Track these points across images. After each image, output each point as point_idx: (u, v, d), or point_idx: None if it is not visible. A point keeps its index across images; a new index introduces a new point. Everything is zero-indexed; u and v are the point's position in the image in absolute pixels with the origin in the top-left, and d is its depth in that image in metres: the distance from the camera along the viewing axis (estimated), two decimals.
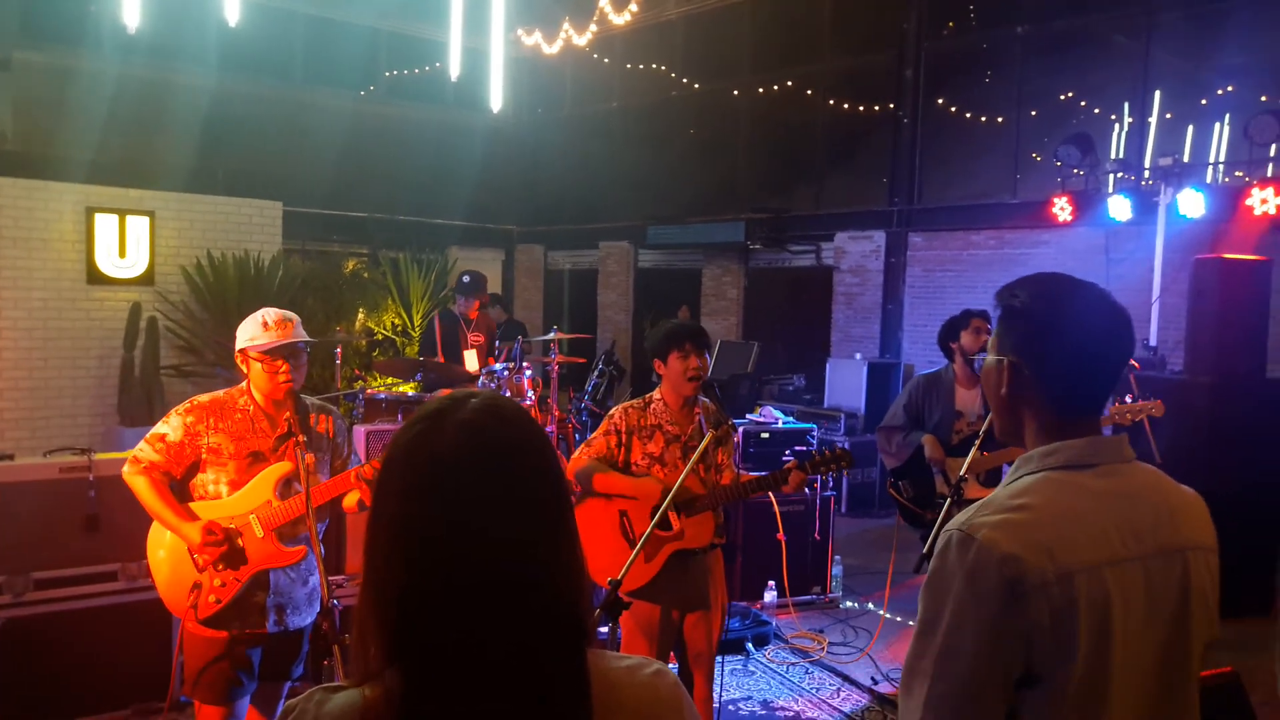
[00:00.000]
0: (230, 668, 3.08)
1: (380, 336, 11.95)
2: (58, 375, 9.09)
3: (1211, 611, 1.53)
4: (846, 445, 9.05)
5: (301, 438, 2.97)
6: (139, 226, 9.37)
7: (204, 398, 3.17)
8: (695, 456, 3.14)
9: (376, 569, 1.12)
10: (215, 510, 3.08)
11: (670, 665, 3.96)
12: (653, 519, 2.94)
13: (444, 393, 5.87)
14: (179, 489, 3.13)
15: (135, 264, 9.37)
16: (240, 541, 3.06)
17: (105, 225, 9.18)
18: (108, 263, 9.23)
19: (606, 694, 1.13)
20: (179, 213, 9.66)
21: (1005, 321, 1.59)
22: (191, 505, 3.10)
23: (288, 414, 3.09)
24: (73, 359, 9.15)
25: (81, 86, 11.10)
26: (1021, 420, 1.58)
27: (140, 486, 3.05)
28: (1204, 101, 8.86)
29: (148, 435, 3.11)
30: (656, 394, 3.80)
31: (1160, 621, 1.45)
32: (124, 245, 9.29)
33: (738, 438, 6.62)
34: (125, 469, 3.09)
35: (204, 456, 3.10)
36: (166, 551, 3.12)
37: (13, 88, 10.99)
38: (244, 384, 3.20)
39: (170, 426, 3.09)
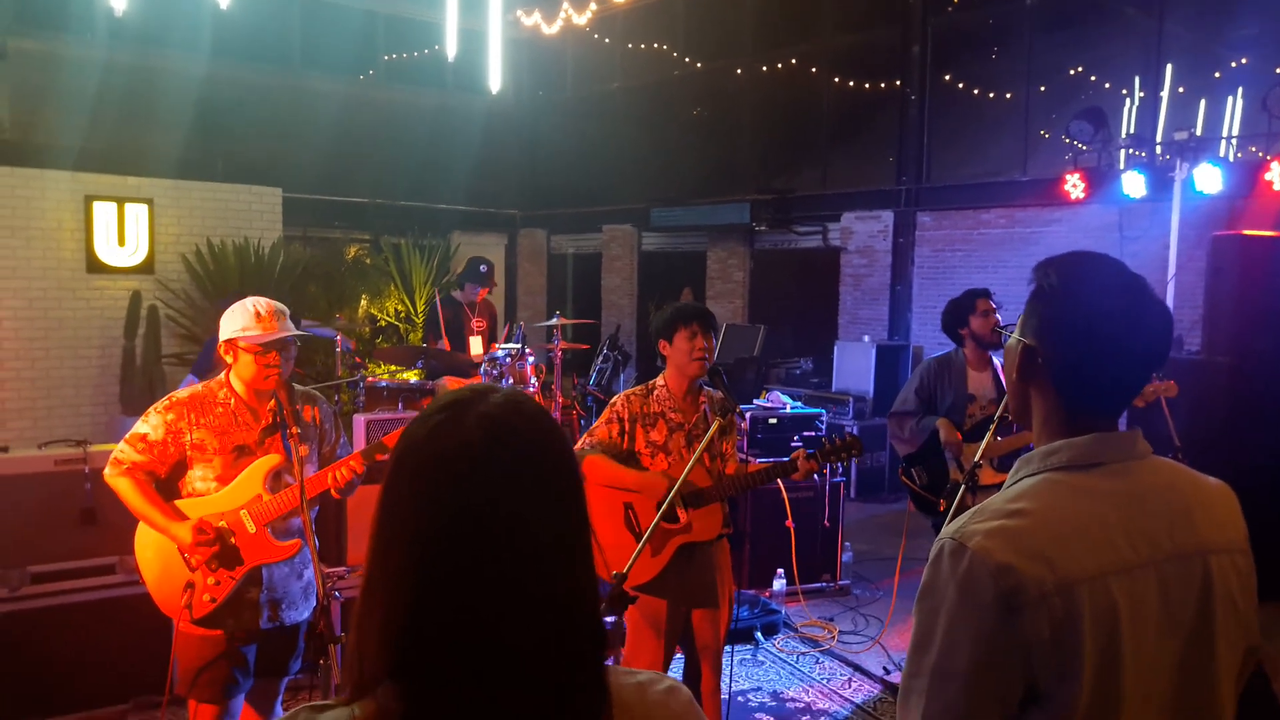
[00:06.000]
0: (225, 666, 3.00)
1: (384, 323, 11.86)
2: (59, 365, 9.02)
3: (1244, 617, 1.40)
4: (855, 429, 8.99)
5: (295, 429, 2.88)
6: (138, 214, 9.28)
7: (182, 393, 3.06)
8: (701, 447, 3.03)
9: (382, 564, 1.01)
10: (204, 507, 2.98)
11: (677, 656, 3.88)
12: (658, 512, 2.85)
13: (449, 381, 5.74)
14: (166, 488, 3.02)
15: (135, 252, 9.29)
16: (232, 539, 2.97)
17: (104, 213, 9.09)
18: (107, 251, 9.14)
19: (619, 714, 1.05)
20: (177, 200, 9.57)
21: (1032, 300, 1.47)
22: (179, 503, 3.00)
23: (272, 405, 3.01)
24: (74, 349, 9.09)
25: (77, 74, 10.99)
26: (1031, 408, 1.48)
27: (124, 488, 2.95)
28: (1217, 74, 8.70)
29: (128, 435, 3.01)
30: (660, 380, 3.69)
31: (1178, 632, 1.33)
32: (123, 233, 9.21)
33: (744, 424, 6.52)
34: (107, 471, 2.99)
35: (189, 453, 3.00)
36: (155, 551, 3.02)
37: (9, 77, 10.89)
38: (222, 376, 3.09)
39: (150, 425, 2.99)
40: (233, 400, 3.05)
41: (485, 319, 7.49)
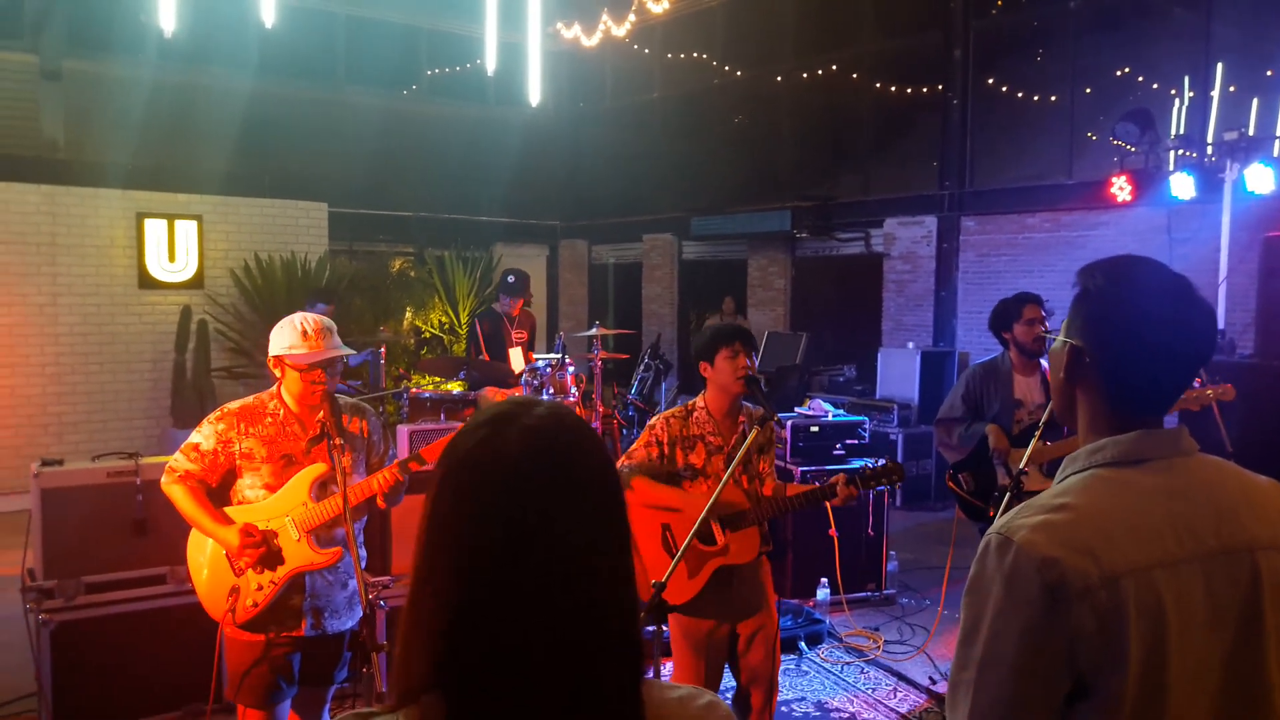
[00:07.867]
0: (269, 671, 3.08)
1: (428, 335, 11.99)
2: (113, 379, 9.24)
3: None
4: (900, 437, 8.90)
5: (338, 440, 2.94)
6: (187, 230, 9.49)
7: (234, 405, 3.17)
8: (737, 459, 3.03)
9: (427, 575, 1.04)
10: (251, 514, 3.08)
11: (730, 685, 3.84)
12: (692, 531, 2.85)
13: (490, 392, 5.77)
14: (217, 496, 3.13)
15: (185, 268, 9.49)
16: (276, 543, 3.06)
17: (155, 230, 9.31)
18: (158, 267, 9.36)
19: None
20: (226, 216, 9.77)
21: (1077, 303, 1.49)
22: (228, 510, 3.11)
23: (320, 416, 3.08)
24: (126, 363, 9.30)
25: (128, 93, 11.26)
26: (1076, 409, 1.49)
27: (177, 495, 3.08)
28: (1269, 73, 8.52)
29: (182, 445, 3.14)
30: (700, 401, 3.65)
31: (1226, 628, 1.32)
32: (173, 249, 9.41)
33: (785, 432, 6.48)
34: (163, 479, 3.12)
35: (238, 462, 3.10)
36: (205, 557, 3.13)
37: (62, 98, 11.17)
38: (274, 388, 3.19)
39: (203, 435, 3.11)
40: (282, 411, 3.14)
41: (525, 330, 7.52)
